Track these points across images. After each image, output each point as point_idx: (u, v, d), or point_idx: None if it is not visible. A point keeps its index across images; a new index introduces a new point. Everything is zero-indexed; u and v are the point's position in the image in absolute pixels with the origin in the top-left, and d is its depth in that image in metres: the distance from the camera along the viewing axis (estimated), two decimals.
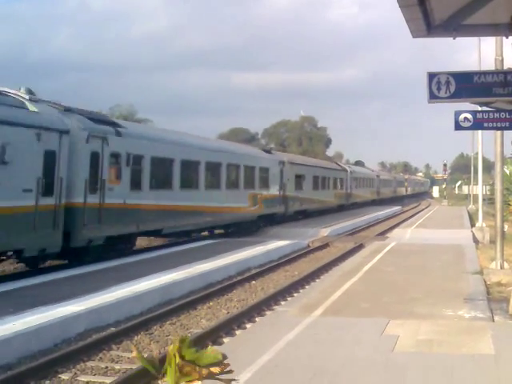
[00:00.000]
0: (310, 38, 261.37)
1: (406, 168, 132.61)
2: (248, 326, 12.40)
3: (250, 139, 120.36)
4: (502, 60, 16.79)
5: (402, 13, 8.01)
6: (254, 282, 17.83)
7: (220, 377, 4.62)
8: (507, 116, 10.77)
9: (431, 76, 8.05)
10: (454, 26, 9.32)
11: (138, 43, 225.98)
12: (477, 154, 37.48)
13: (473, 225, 34.90)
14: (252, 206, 31.96)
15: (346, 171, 56.31)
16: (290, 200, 37.85)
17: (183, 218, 24.67)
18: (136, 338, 11.49)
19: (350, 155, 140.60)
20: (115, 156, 20.07)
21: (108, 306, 12.55)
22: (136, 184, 21.29)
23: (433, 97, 8.04)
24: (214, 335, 11.43)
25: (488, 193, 45.86)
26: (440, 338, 9.82)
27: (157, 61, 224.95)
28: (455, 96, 8.02)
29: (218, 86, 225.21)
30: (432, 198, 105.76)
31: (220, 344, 10.78)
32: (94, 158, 18.81)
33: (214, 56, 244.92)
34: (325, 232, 32.30)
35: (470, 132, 43.38)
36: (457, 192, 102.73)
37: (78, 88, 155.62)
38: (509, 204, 35.29)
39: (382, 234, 33.55)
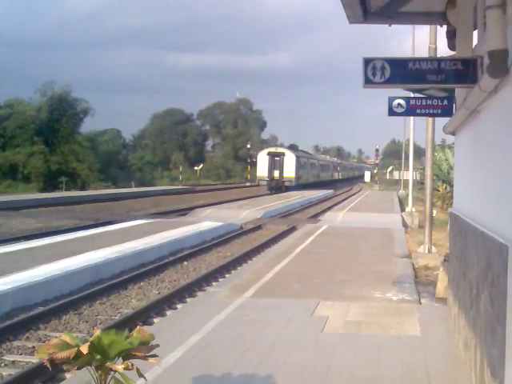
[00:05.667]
0: (246, 20, 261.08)
1: (339, 152, 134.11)
2: (179, 306, 12.37)
3: (185, 120, 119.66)
4: (436, 48, 17.10)
5: None
6: (186, 262, 17.77)
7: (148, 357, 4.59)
8: (439, 103, 10.97)
9: (367, 61, 8.07)
10: (390, 13, 9.41)
11: (72, 20, 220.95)
12: (408, 140, 38.13)
13: (403, 209, 35.55)
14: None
15: None
16: None
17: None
18: (65, 317, 11.32)
19: (285, 139, 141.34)
20: (302, 162, 73.59)
21: (36, 284, 12.32)
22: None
23: (368, 82, 8.07)
24: (144, 315, 11.36)
25: (418, 178, 46.82)
26: (368, 319, 10.00)
27: (92, 38, 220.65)
28: (390, 82, 8.06)
29: (154, 65, 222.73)
30: (364, 182, 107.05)
31: (150, 324, 10.73)
32: (298, 162, 68.67)
33: (150, 35, 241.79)
34: (258, 214, 32.41)
35: (401, 119, 44.14)
36: (388, 177, 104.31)
37: (6, 64, 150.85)
38: (437, 190, 36.16)
39: (315, 216, 33.88)
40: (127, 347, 4.49)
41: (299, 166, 69.94)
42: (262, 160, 67.20)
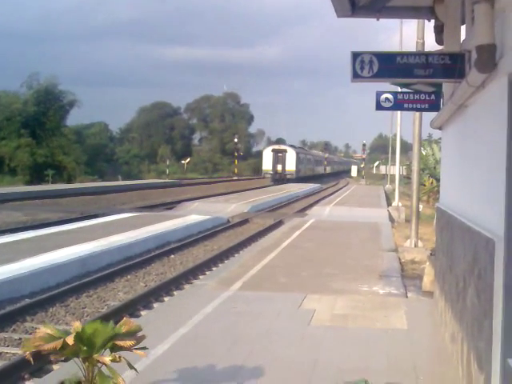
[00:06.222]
0: (236, 13, 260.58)
1: (327, 147, 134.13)
2: (166, 299, 12.37)
3: (173, 113, 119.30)
4: (423, 43, 17.13)
5: None
6: (173, 256, 17.76)
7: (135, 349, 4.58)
8: (427, 98, 11.01)
9: (355, 55, 8.07)
10: (378, 7, 9.39)
11: (60, 12, 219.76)
12: (395, 135, 38.23)
13: (389, 204, 35.65)
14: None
15: None
16: None
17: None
18: (51, 309, 11.30)
19: (272, 133, 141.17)
20: (301, 158, 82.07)
21: (23, 277, 12.28)
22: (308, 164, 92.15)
23: (356, 76, 8.07)
24: (131, 308, 11.35)
25: (404, 173, 46.98)
26: (355, 312, 10.04)
27: (79, 31, 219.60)
28: (378, 76, 8.05)
29: (142, 58, 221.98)
30: (350, 177, 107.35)
31: (137, 317, 10.70)
32: (298, 158, 79.98)
33: (138, 28, 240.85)
34: (245, 208, 32.41)
35: (389, 114, 44.29)
36: (374, 172, 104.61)
37: None
38: (424, 185, 36.29)
39: (302, 211, 33.90)
40: (112, 334, 4.49)
41: (299, 161, 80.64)
42: (267, 156, 78.08)
